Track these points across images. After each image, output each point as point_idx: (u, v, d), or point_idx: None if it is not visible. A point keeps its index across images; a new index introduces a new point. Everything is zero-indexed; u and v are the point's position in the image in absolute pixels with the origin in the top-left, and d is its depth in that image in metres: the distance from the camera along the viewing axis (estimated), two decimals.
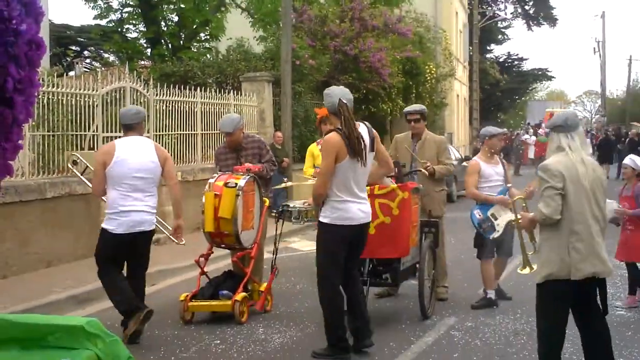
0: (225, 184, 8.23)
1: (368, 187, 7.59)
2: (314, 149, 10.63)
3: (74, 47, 34.52)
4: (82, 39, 34.07)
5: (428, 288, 8.25)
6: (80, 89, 12.11)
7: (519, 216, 8.10)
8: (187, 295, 8.19)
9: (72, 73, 23.35)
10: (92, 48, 33.70)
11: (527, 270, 7.02)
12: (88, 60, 34.75)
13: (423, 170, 8.59)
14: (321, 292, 6.69)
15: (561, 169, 5.39)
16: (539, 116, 50.54)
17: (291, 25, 18.90)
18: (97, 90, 12.41)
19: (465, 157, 22.44)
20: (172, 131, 14.71)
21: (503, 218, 8.32)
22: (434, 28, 31.12)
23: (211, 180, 8.54)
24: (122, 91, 13.19)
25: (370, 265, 7.73)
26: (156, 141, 14.10)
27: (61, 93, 11.70)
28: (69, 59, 31.44)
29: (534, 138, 37.86)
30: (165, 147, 14.47)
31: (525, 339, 7.30)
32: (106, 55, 31.77)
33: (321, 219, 6.62)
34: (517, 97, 58.18)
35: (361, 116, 23.40)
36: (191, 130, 15.25)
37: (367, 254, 7.58)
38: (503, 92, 53.53)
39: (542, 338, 5.67)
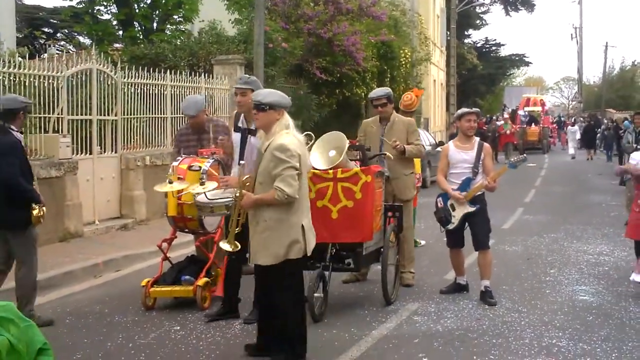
0: (189, 167, 8.11)
1: (331, 171, 7.57)
2: None
3: (46, 29, 34.06)
4: (54, 21, 33.58)
5: (392, 273, 8.19)
6: (44, 71, 11.90)
7: (473, 209, 8.14)
8: (149, 281, 8.09)
9: (44, 55, 23.03)
10: (65, 30, 33.26)
11: (228, 246, 6.93)
12: (62, 43, 34.36)
13: (392, 149, 8.50)
14: None
15: (297, 149, 5.65)
16: (516, 102, 50.66)
17: (264, 7, 18.69)
18: (61, 72, 12.21)
19: (439, 142, 22.37)
20: (141, 114, 14.53)
21: (459, 210, 8.24)
22: (409, 12, 30.98)
23: (174, 163, 8.40)
24: (88, 73, 12.98)
25: (333, 250, 7.65)
26: (124, 125, 14.01)
27: (24, 74, 11.49)
28: (41, 41, 31.09)
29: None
30: (134, 131, 14.37)
31: (487, 324, 7.27)
32: (80, 37, 31.38)
33: None
34: (494, 83, 58.20)
35: (335, 100, 23.35)
36: (161, 114, 15.08)
37: (329, 239, 7.54)
38: (480, 77, 53.53)
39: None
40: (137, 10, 23.29)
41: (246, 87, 7.32)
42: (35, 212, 7.32)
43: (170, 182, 7.80)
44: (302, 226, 5.79)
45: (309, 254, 5.91)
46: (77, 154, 12.64)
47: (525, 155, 8.70)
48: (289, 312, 5.91)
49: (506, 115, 41.91)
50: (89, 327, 7.38)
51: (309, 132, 8.87)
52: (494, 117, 42.95)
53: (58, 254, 10.89)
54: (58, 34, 34.81)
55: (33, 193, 7.43)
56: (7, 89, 11.09)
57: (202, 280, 7.96)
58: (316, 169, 7.63)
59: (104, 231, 12.97)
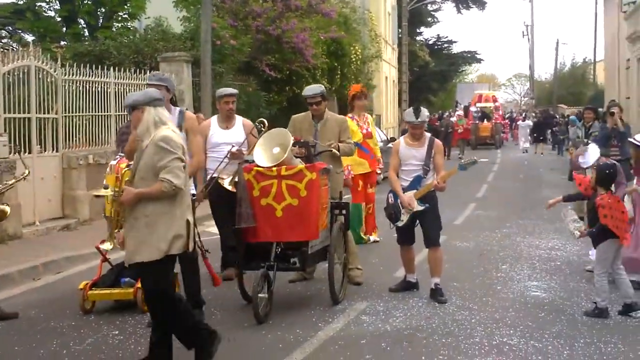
0: (127, 166, 7.77)
1: (275, 168, 7.31)
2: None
3: None
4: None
5: (339, 272, 7.97)
6: None
7: (422, 208, 7.93)
8: (87, 284, 7.76)
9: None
10: (9, 27, 32.46)
11: (108, 245, 6.66)
12: (5, 40, 33.54)
13: (334, 150, 8.25)
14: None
15: (180, 141, 5.57)
16: (468, 98, 50.89)
17: (211, 4, 18.37)
18: None
19: (390, 138, 22.26)
20: (84, 112, 14.10)
21: (408, 210, 8.03)
22: (360, 9, 30.82)
23: (113, 162, 8.07)
24: (27, 70, 12.54)
25: (278, 249, 7.38)
26: (66, 123, 13.59)
27: None
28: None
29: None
30: (77, 129, 13.94)
31: (436, 323, 7.08)
32: (25, 35, 30.64)
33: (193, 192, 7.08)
34: (446, 80, 58.38)
35: (285, 97, 23.07)
36: (105, 112, 14.67)
37: (273, 237, 7.31)
38: (432, 74, 53.58)
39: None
40: (80, 7, 22.76)
41: (161, 84, 7.08)
42: None
43: (106, 187, 7.48)
44: (187, 221, 5.56)
45: (190, 250, 5.65)
46: (15, 153, 12.19)
47: (475, 158, 8.45)
48: (172, 314, 5.76)
49: (460, 112, 42.07)
50: (22, 333, 7.03)
51: (262, 119, 8.69)
52: (446, 114, 43.01)
53: None
54: (2, 32, 33.97)
55: None
56: None
57: None
58: (259, 167, 7.36)
59: (44, 232, 12.54)
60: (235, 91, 8.93)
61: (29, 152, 12.62)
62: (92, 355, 6.30)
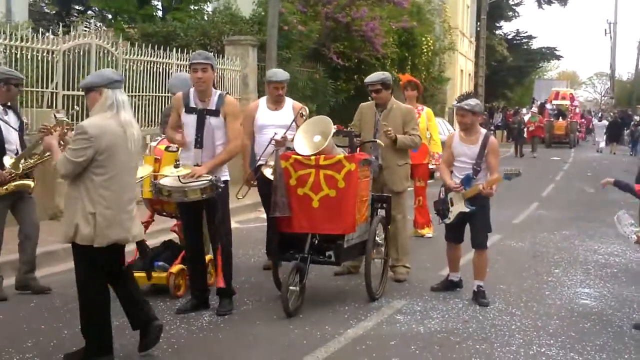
0: (166, 148, 7.66)
1: (313, 157, 7.08)
2: None
3: (77, 7, 33.77)
4: None
5: (378, 268, 7.70)
6: (39, 44, 11.51)
7: (467, 210, 7.55)
8: None
9: (73, 33, 22.81)
10: (96, 8, 32.97)
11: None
12: (92, 20, 34.10)
13: (384, 136, 7.95)
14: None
15: (99, 132, 5.23)
16: (545, 95, 49.68)
17: None
18: (57, 46, 11.80)
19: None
20: (144, 92, 14.10)
21: (457, 207, 7.64)
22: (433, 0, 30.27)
23: (152, 144, 8.00)
24: (87, 48, 12.57)
25: (314, 241, 7.14)
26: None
27: (19, 47, 11.12)
28: (73, 18, 30.83)
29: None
30: (137, 109, 13.93)
31: (473, 327, 6.74)
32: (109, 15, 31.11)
33: (226, 178, 6.89)
34: (523, 75, 57.12)
35: (353, 86, 22.77)
36: (165, 92, 14.63)
37: (309, 229, 7.07)
38: (510, 69, 52.51)
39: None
40: None
41: (206, 62, 6.80)
42: None
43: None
44: (94, 214, 5.23)
45: (95, 245, 5.27)
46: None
47: (520, 170, 7.90)
48: (82, 304, 5.56)
49: (534, 109, 41.11)
50: (52, 311, 6.96)
51: (303, 106, 8.29)
52: (520, 110, 42.08)
53: (44, 232, 10.46)
54: (89, 12, 34.52)
55: None
56: (7, 63, 10.78)
57: (176, 267, 7.50)
58: (298, 155, 7.13)
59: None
60: (286, 77, 8.38)
61: None
62: (114, 339, 6.16)
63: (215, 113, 6.82)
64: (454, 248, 7.97)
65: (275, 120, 8.18)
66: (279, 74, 8.40)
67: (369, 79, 8.43)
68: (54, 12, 32.25)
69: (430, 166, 11.08)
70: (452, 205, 7.68)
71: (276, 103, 8.32)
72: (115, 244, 5.37)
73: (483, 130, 7.74)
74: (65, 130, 5.81)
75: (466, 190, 7.56)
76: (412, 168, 10.57)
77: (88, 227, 5.21)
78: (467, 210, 7.56)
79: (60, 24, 13.50)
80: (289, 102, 8.39)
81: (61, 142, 5.64)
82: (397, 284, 8.16)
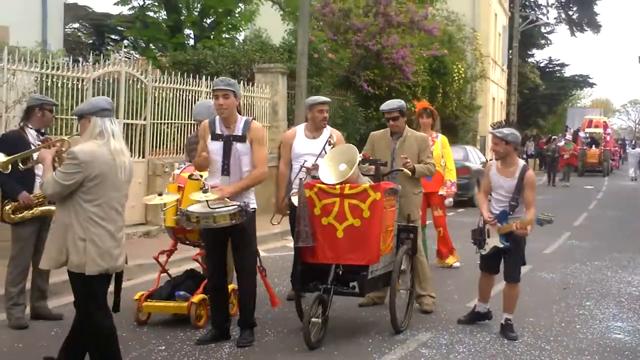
0: (190, 177, 7.59)
1: (338, 186, 6.97)
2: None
3: (113, 36, 34.22)
4: (121, 28, 33.74)
5: (404, 299, 7.54)
6: (70, 72, 11.60)
7: (501, 246, 7.36)
8: (143, 294, 7.58)
9: (108, 61, 23.12)
10: (131, 37, 33.41)
11: None
12: (126, 49, 34.52)
13: (405, 170, 7.81)
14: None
15: (90, 158, 5.19)
16: (579, 123, 49.24)
17: (309, 16, 18.22)
18: (87, 74, 11.88)
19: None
20: (174, 120, 14.13)
21: (492, 240, 7.43)
22: (465, 27, 30.17)
23: (176, 172, 7.95)
24: (117, 76, 12.64)
25: (339, 271, 7.00)
26: (154, 130, 13.64)
27: (52, 75, 11.25)
28: (108, 47, 31.28)
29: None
30: (166, 136, 13.96)
31: None
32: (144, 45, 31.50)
33: (254, 206, 6.79)
34: (556, 103, 56.72)
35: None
36: (194, 120, 14.63)
37: (333, 259, 6.94)
38: (542, 97, 52.21)
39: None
40: (186, 16, 23.09)
41: (228, 89, 6.74)
42: (7, 207, 7.15)
43: (160, 194, 7.28)
44: (84, 240, 5.18)
45: (87, 273, 5.18)
46: None
47: (553, 217, 7.64)
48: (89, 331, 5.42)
49: (568, 137, 40.69)
50: None
51: (331, 134, 8.13)
52: (554, 137, 41.67)
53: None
54: (125, 41, 34.99)
55: (7, 187, 7.22)
56: (40, 90, 10.95)
57: (197, 297, 7.40)
58: (323, 184, 7.03)
59: (125, 237, 12.52)
60: (328, 99, 8.37)
61: None
62: None
63: (241, 139, 6.76)
64: (487, 278, 7.76)
65: (311, 148, 8.03)
66: (320, 97, 8.32)
67: (386, 106, 8.31)
68: (90, 41, 32.71)
69: (440, 192, 10.76)
70: (488, 236, 7.49)
71: (316, 130, 8.16)
72: (106, 272, 5.31)
73: (521, 163, 7.49)
74: (63, 149, 5.79)
75: (501, 226, 7.37)
76: (429, 197, 10.42)
77: (78, 254, 5.17)
78: (501, 246, 7.38)
79: (92, 53, 13.58)
80: (327, 130, 8.23)
81: (56, 158, 5.63)
82: (423, 315, 8.00)
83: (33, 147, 7.20)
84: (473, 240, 7.66)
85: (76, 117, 5.62)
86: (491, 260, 7.61)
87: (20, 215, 7.22)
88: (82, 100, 11.82)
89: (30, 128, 7.40)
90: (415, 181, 8.10)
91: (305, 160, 7.87)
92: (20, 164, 7.10)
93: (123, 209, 5.45)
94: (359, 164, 7.19)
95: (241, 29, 23.69)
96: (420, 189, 8.28)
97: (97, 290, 5.33)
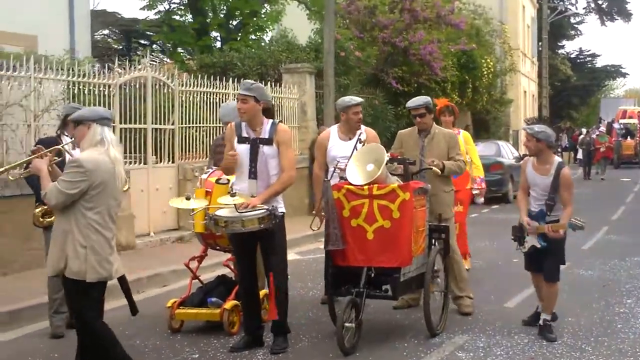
0: (217, 181, 7.51)
1: (366, 187, 6.83)
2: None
3: (142, 41, 34.41)
4: (149, 33, 33.94)
5: (438, 301, 7.39)
6: (96, 79, 11.59)
7: (539, 246, 7.16)
8: (175, 302, 7.50)
9: (139, 66, 23.25)
10: (160, 42, 33.57)
11: None
12: (155, 54, 34.73)
13: (434, 168, 7.64)
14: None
15: (93, 166, 5.21)
16: (612, 114, 48.60)
17: (334, 14, 18.10)
18: (113, 80, 11.86)
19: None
20: (202, 123, 14.07)
21: (531, 239, 7.22)
22: (493, 21, 29.85)
23: (203, 176, 7.87)
24: (143, 81, 12.61)
25: (371, 274, 6.85)
26: (183, 134, 13.59)
27: (78, 82, 11.26)
28: (137, 52, 31.50)
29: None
30: (194, 140, 13.91)
31: None
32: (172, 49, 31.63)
33: (282, 210, 6.69)
34: (588, 94, 56.05)
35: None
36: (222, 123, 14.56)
37: (364, 262, 6.80)
38: (574, 89, 51.70)
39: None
40: (211, 19, 23.08)
41: (247, 94, 6.64)
42: (37, 210, 7.22)
43: (188, 198, 7.18)
44: (85, 247, 5.17)
45: (87, 280, 5.19)
46: (131, 163, 12.27)
47: (585, 224, 7.40)
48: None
49: (602, 128, 40.12)
50: None
51: (362, 132, 7.95)
52: (587, 130, 41.14)
53: None
54: (154, 45, 35.18)
55: (39, 192, 7.20)
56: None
57: (229, 303, 7.30)
58: (351, 185, 6.89)
59: (158, 243, 12.55)
60: (362, 100, 8.23)
61: (144, 163, 12.68)
62: None
63: (268, 142, 6.67)
64: (537, 277, 7.53)
65: (347, 151, 7.79)
66: (354, 97, 8.16)
67: (412, 103, 8.16)
68: (120, 47, 32.91)
69: (474, 191, 10.54)
70: (527, 235, 7.29)
71: (350, 132, 7.99)
72: (105, 279, 5.33)
73: (556, 161, 7.27)
74: (56, 158, 5.73)
75: (538, 225, 7.18)
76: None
77: (78, 260, 5.17)
78: (539, 246, 7.18)
79: (117, 59, 13.57)
80: (361, 131, 8.03)
81: (49, 168, 5.58)
82: (459, 317, 7.83)
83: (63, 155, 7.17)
84: (513, 237, 7.46)
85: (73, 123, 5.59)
86: (533, 258, 7.38)
87: (49, 220, 7.15)
88: (109, 107, 11.81)
89: (66, 135, 7.40)
90: (445, 179, 7.94)
91: (337, 162, 7.73)
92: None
93: (117, 217, 5.50)
94: (386, 164, 7.05)
95: (267, 29, 23.61)
96: (451, 187, 8.13)
97: (96, 297, 5.34)
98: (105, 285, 5.43)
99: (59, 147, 5.92)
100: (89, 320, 5.35)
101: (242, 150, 6.68)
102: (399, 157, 7.52)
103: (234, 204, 6.53)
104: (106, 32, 35.08)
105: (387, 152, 7.12)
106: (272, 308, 6.70)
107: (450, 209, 8.06)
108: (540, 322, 7.21)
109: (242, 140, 6.71)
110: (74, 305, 5.41)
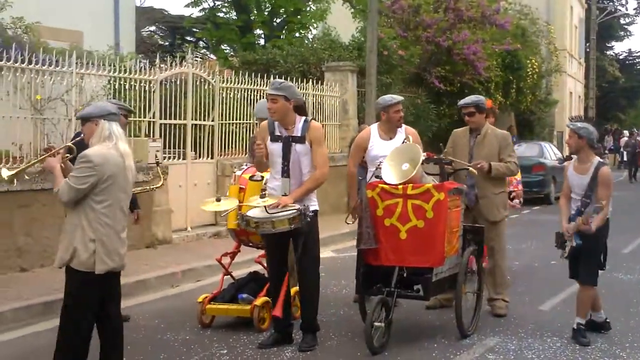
0: (251, 178, 7.52)
1: (401, 186, 6.79)
2: None
3: (188, 38, 34.68)
4: (195, 30, 34.18)
5: (470, 302, 7.32)
6: (136, 74, 11.70)
7: (574, 244, 7.02)
8: (206, 297, 7.54)
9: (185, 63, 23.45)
10: (205, 38, 33.79)
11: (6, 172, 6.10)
12: (199, 50, 35.01)
13: (471, 169, 7.56)
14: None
15: (102, 160, 5.25)
16: None
17: (378, 13, 18.04)
18: (154, 76, 11.96)
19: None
20: (242, 120, 14.13)
21: (569, 241, 7.04)
22: (539, 21, 29.48)
23: (237, 173, 7.89)
24: (184, 77, 12.70)
25: (403, 274, 6.81)
26: (222, 130, 13.65)
27: (120, 78, 11.38)
28: (183, 49, 31.79)
29: None
30: (234, 136, 13.96)
31: None
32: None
33: (315, 207, 6.64)
34: (637, 96, 55.09)
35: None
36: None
37: (396, 262, 6.76)
38: (622, 90, 50.92)
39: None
40: (255, 17, 23.16)
41: (276, 94, 6.62)
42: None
43: (218, 200, 7.19)
44: (94, 241, 5.23)
45: (96, 272, 5.23)
46: (170, 158, 12.37)
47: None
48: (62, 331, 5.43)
49: None
50: (135, 344, 6.85)
51: (408, 135, 7.82)
52: (631, 132, 40.43)
53: (140, 260, 10.56)
54: (200, 42, 35.44)
55: None
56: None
57: (260, 300, 7.32)
58: (385, 184, 6.86)
59: (194, 238, 12.62)
60: (402, 98, 8.00)
61: (184, 159, 12.77)
62: None
63: (300, 140, 6.66)
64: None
65: (388, 150, 7.53)
66: (395, 96, 7.97)
67: (463, 101, 8.18)
68: (166, 43, 33.21)
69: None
70: (567, 240, 7.14)
71: (391, 131, 7.82)
72: (112, 271, 5.37)
73: (596, 160, 7.11)
74: (68, 155, 5.78)
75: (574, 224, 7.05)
76: None
77: (86, 252, 5.23)
78: (574, 244, 7.05)
79: (158, 55, 13.70)
80: (402, 129, 7.86)
81: (62, 165, 5.64)
82: (491, 319, 7.75)
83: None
84: (556, 244, 7.28)
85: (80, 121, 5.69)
86: (574, 265, 7.20)
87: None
88: (150, 102, 11.93)
89: None
90: (495, 181, 7.85)
91: (379, 161, 7.63)
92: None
93: (127, 209, 5.57)
94: (422, 163, 7.00)
95: (312, 27, 23.65)
96: (501, 189, 8.04)
97: (95, 293, 5.36)
98: (118, 276, 5.52)
99: (69, 144, 5.96)
100: (75, 316, 5.37)
101: (275, 148, 6.68)
102: (435, 157, 7.46)
103: (264, 206, 6.54)
104: (153, 28, 35.45)
105: (422, 152, 7.06)
106: (279, 305, 6.73)
107: (500, 211, 7.95)
108: (574, 325, 7.09)
109: (274, 138, 6.71)
110: (67, 298, 5.42)
